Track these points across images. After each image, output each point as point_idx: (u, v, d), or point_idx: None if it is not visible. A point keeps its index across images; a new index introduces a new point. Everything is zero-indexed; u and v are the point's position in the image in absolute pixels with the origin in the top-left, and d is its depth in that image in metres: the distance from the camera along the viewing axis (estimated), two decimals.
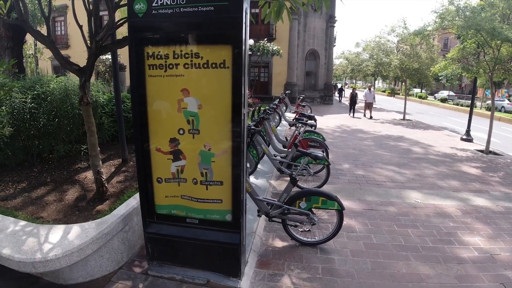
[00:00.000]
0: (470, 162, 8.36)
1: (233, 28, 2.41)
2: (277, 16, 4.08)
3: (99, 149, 4.30)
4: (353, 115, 18.75)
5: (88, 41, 3.99)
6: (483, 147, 9.98)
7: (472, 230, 4.44)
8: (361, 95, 26.77)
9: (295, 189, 3.87)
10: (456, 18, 8.97)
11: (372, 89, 18.52)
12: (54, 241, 2.89)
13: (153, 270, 3.14)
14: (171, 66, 2.62)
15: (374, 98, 18.46)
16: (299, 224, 3.70)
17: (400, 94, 37.69)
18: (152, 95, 2.74)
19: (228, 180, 2.78)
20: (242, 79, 2.49)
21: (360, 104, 23.62)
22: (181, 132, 2.77)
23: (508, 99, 27.98)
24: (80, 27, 4.22)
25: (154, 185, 2.98)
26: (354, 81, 42.32)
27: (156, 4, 2.50)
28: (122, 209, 3.37)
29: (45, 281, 3.11)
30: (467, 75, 9.99)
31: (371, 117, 18.03)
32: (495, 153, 9.69)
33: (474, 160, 8.64)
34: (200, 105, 2.67)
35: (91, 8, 3.84)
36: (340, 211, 3.60)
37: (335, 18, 26.48)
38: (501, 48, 8.72)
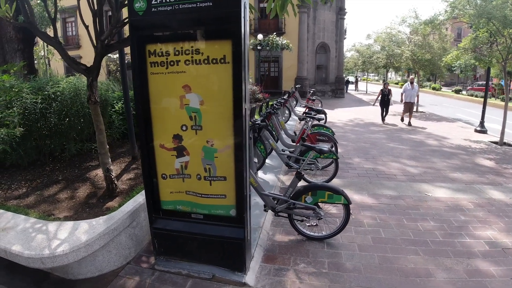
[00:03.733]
0: (484, 154, 8.17)
1: (232, 22, 2.41)
2: (281, 10, 4.07)
3: (108, 147, 4.37)
4: (384, 119, 13.43)
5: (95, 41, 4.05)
6: (497, 139, 9.74)
7: (484, 223, 4.34)
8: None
9: (303, 183, 3.87)
10: (467, 7, 8.76)
11: (415, 83, 12.88)
12: (62, 237, 2.95)
13: (159, 265, 3.18)
14: (172, 63, 2.64)
15: (417, 96, 12.84)
16: (305, 218, 3.69)
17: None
18: (154, 93, 2.77)
19: (231, 175, 2.79)
20: (242, 74, 2.49)
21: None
22: (184, 128, 2.79)
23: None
24: (87, 27, 4.28)
25: (159, 181, 3.02)
26: (366, 74, 41.60)
27: (156, 2, 2.52)
28: (129, 205, 3.42)
29: (55, 276, 3.19)
30: (480, 65, 9.75)
31: (409, 124, 12.72)
32: (509, 145, 9.45)
33: (488, 152, 8.44)
34: (202, 101, 2.68)
35: (95, 8, 3.89)
36: (347, 205, 3.57)
37: (345, 10, 26.05)
38: None
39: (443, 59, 12.95)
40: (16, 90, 4.51)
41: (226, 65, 2.52)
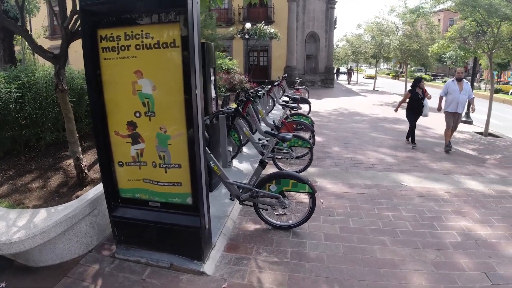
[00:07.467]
0: (467, 144, 8.15)
1: (180, 6, 2.35)
2: None
3: (77, 135, 4.34)
4: (413, 141, 7.95)
5: None
6: (482, 129, 9.71)
7: (459, 214, 4.28)
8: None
9: None
10: None
11: (465, 81, 7.60)
12: (20, 224, 2.95)
13: (119, 253, 3.16)
14: (123, 48, 2.58)
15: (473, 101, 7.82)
16: (270, 207, 3.67)
17: (403, 76, 36.98)
18: (107, 78, 2.71)
19: (186, 163, 2.75)
20: (192, 58, 2.43)
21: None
22: (138, 115, 2.74)
23: None
24: (55, 14, 4.22)
25: (116, 169, 2.98)
26: (357, 64, 41.21)
27: None
28: (90, 194, 3.39)
29: (18, 264, 3.18)
30: (465, 54, 9.67)
31: (448, 146, 7.41)
32: (494, 135, 9.44)
33: (471, 142, 8.42)
34: (154, 86, 2.62)
35: None
36: (312, 194, 3.54)
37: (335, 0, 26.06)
38: (501, 27, 8.40)
39: (429, 49, 12.84)
40: None
41: (176, 50, 2.47)
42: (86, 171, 4.36)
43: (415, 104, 7.66)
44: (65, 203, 3.54)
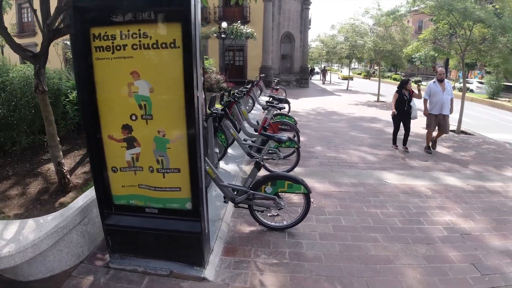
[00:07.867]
0: (442, 142, 8.45)
1: (182, 4, 2.27)
2: None
3: (58, 139, 4.15)
4: (394, 142, 7.91)
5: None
6: (454, 127, 10.10)
7: (442, 209, 4.45)
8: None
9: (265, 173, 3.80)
10: None
11: (446, 81, 7.45)
12: (8, 237, 2.73)
13: (114, 263, 3.02)
14: (118, 48, 2.45)
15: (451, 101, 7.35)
16: (265, 209, 3.64)
17: (375, 76, 38.02)
18: (100, 79, 2.56)
19: (185, 167, 2.66)
20: (193, 59, 2.35)
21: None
22: (134, 118, 2.62)
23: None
24: (34, 11, 4.02)
25: (109, 175, 2.82)
26: (330, 64, 42.11)
27: None
28: (79, 201, 3.21)
29: (5, 278, 2.96)
30: (439, 55, 10.04)
31: (431, 147, 7.62)
32: (466, 133, 9.86)
33: (446, 140, 8.74)
34: (151, 88, 2.51)
35: None
36: (307, 194, 3.55)
37: (310, 0, 26.47)
38: (473, 29, 8.78)
39: (403, 50, 13.25)
40: None
41: (176, 50, 2.37)
42: (68, 176, 4.17)
43: (401, 106, 7.38)
44: (48, 211, 3.39)
